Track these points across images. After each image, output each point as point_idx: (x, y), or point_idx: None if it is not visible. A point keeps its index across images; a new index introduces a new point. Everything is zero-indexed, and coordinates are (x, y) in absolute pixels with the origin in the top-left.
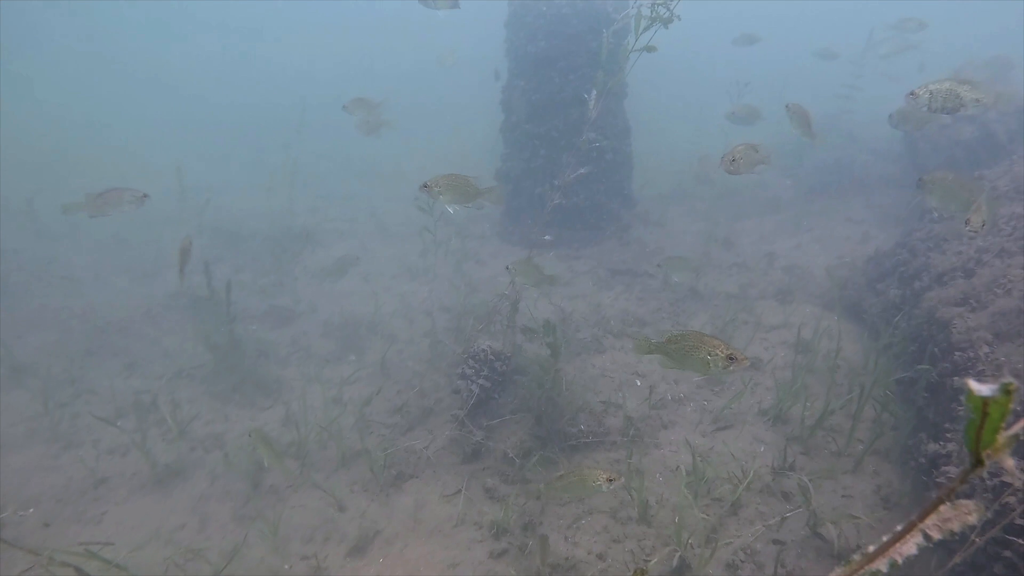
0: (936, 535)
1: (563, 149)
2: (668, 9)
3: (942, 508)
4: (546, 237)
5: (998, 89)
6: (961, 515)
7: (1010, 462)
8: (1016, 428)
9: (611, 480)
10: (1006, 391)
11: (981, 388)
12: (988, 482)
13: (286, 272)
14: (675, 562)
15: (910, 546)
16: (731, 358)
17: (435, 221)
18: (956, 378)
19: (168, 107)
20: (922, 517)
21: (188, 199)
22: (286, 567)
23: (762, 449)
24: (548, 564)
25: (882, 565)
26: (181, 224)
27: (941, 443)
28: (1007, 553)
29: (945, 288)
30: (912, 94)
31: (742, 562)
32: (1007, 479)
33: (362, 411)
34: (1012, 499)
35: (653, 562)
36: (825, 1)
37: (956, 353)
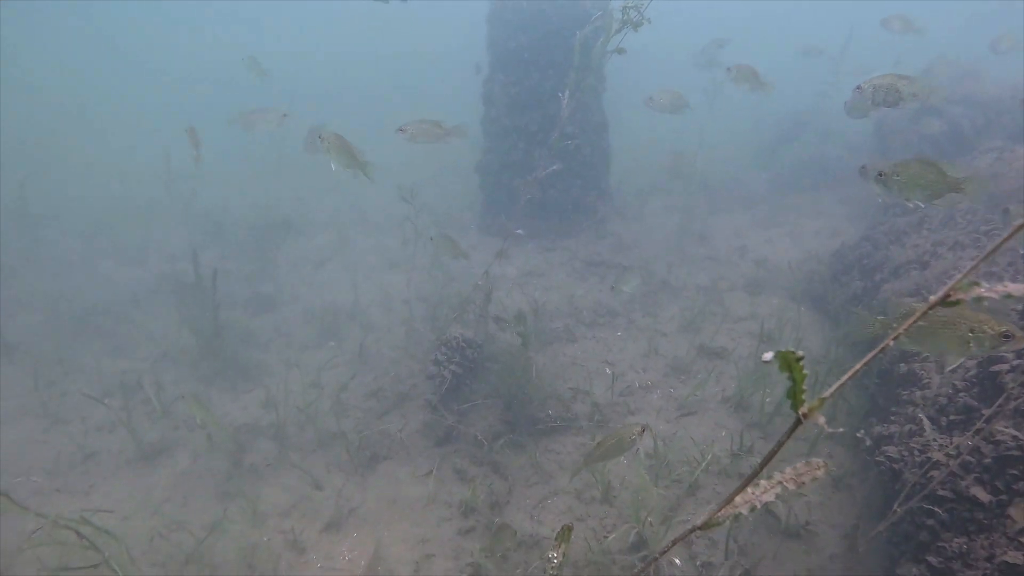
0: (792, 487)
1: (541, 143)
2: (639, 12)
3: (799, 465)
4: (518, 231)
5: (932, 83)
6: (812, 471)
7: (822, 419)
8: (829, 392)
9: (643, 430)
10: (786, 358)
11: (767, 355)
12: (916, 457)
13: (269, 260)
14: (632, 538)
15: (770, 495)
16: (1006, 336)
17: (416, 212)
18: (902, 364)
19: (159, 93)
20: (761, 466)
21: (175, 186)
22: (264, 539)
23: (723, 434)
24: (514, 542)
25: (743, 509)
26: (167, 212)
27: (885, 425)
28: (931, 522)
29: (900, 280)
30: (858, 88)
31: (696, 538)
32: (932, 455)
33: (339, 395)
34: (936, 473)
35: (611, 538)
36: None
37: None
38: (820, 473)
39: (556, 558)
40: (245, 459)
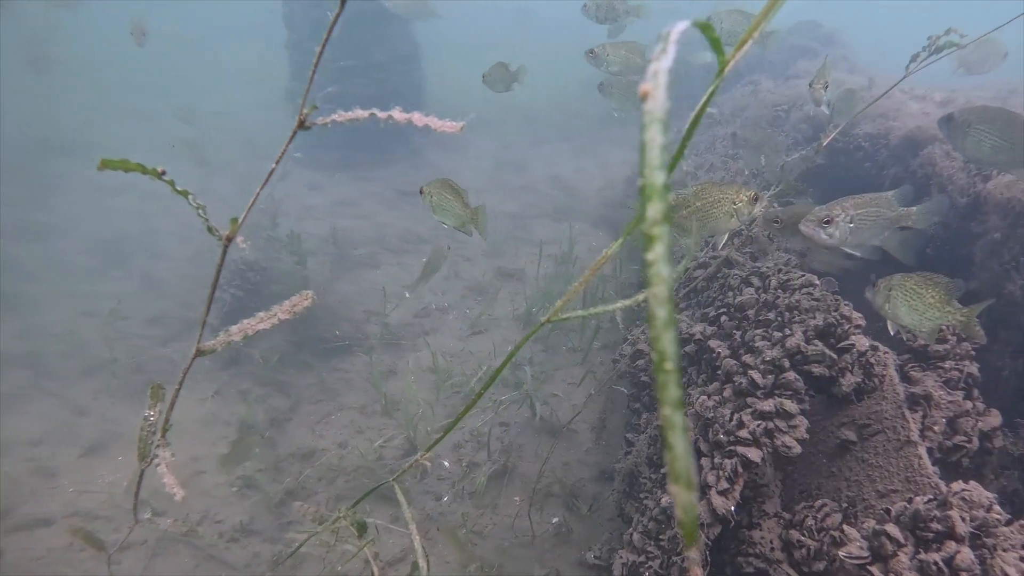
0: (287, 316)
1: (351, 70)
2: None
3: (294, 297)
4: (296, 155)
5: (640, 5)
6: (302, 301)
7: (240, 240)
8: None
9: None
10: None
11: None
12: (629, 350)
13: (47, 187)
14: (398, 442)
15: (265, 324)
16: (756, 199)
17: (203, 134)
18: None
19: None
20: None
21: None
22: (3, 469)
23: (508, 348)
24: (290, 454)
25: (237, 337)
26: None
27: (633, 331)
28: (637, 405)
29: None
30: (584, 6)
31: (466, 441)
32: (641, 347)
33: (112, 322)
34: (641, 362)
35: (377, 444)
36: None
37: None
38: (307, 303)
39: (152, 416)
40: None
